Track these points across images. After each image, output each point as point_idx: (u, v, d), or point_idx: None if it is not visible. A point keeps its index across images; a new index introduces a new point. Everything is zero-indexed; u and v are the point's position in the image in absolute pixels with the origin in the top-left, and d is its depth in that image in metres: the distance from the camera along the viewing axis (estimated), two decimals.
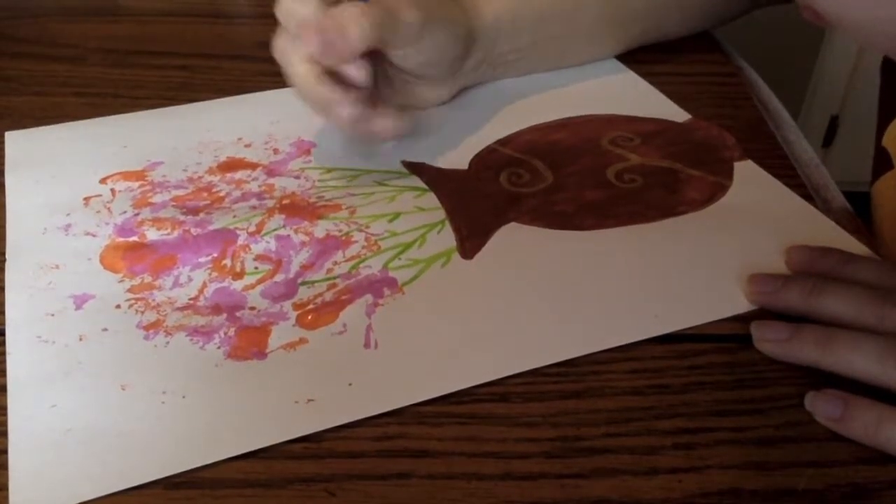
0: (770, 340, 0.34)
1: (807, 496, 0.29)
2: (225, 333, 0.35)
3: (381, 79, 0.45)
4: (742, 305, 0.36)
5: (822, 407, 0.32)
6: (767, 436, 0.31)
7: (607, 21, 0.53)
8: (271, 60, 0.57)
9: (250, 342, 0.34)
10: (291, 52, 0.42)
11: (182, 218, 0.41)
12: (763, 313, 0.36)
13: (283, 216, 0.41)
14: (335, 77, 0.41)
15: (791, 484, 0.30)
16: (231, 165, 0.45)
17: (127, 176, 0.45)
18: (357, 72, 0.41)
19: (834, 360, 0.32)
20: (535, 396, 0.33)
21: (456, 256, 0.39)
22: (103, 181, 0.44)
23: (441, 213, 0.42)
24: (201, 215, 0.41)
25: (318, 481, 0.29)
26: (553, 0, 0.50)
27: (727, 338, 0.35)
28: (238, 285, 0.37)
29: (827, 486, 0.30)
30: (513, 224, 0.41)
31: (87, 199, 0.43)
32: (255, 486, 0.29)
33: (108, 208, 0.42)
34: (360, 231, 0.41)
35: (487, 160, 0.46)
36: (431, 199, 0.43)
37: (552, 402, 0.32)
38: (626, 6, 0.53)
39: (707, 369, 0.34)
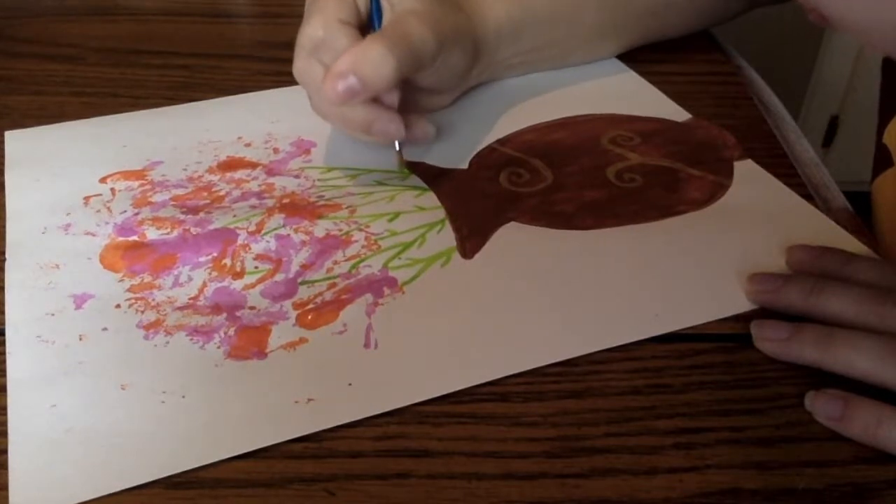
0: (770, 339, 0.34)
1: (807, 496, 0.29)
2: (225, 333, 0.35)
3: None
4: (742, 305, 0.36)
5: (823, 407, 0.32)
6: (767, 436, 0.31)
7: (608, 25, 0.53)
8: (271, 60, 0.57)
9: (250, 342, 0.34)
10: (318, 77, 0.42)
11: (182, 217, 0.41)
12: (763, 313, 0.36)
13: (283, 215, 0.41)
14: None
15: (791, 484, 0.30)
16: (231, 165, 0.45)
17: (127, 175, 0.45)
18: (390, 97, 0.42)
19: (834, 359, 0.32)
20: (535, 396, 0.33)
21: (456, 256, 0.39)
22: (103, 181, 0.44)
23: (441, 213, 0.42)
24: (201, 215, 0.41)
25: (318, 481, 0.29)
26: (554, 6, 0.50)
27: (727, 338, 0.35)
28: (238, 285, 0.37)
29: (827, 486, 0.29)
30: (513, 224, 0.41)
31: (87, 198, 0.43)
32: (255, 486, 0.29)
33: (108, 208, 0.42)
34: (360, 230, 0.41)
35: (487, 160, 0.46)
36: (431, 199, 0.43)
37: (552, 402, 0.32)
38: (626, 10, 0.53)
39: (707, 369, 0.34)
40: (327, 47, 0.42)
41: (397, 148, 0.45)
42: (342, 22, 0.42)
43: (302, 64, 0.43)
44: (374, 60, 0.39)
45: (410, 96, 0.46)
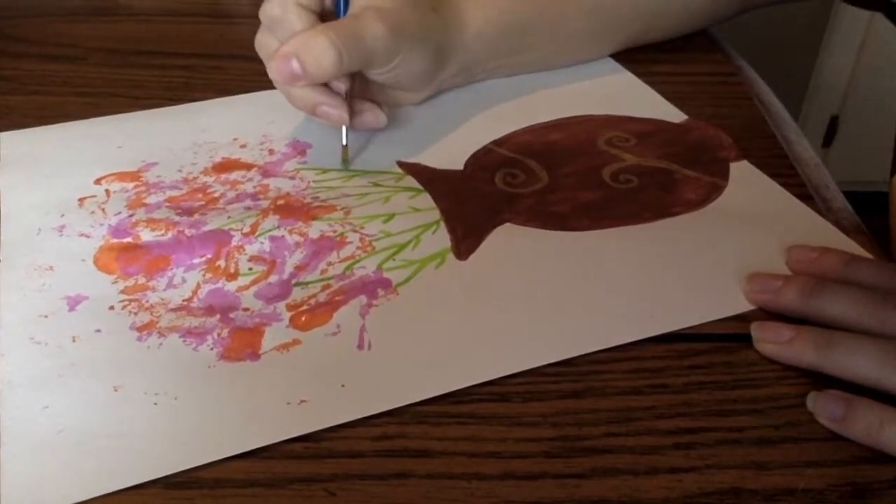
0: (770, 342, 0.34)
1: (807, 496, 0.29)
2: (218, 335, 0.35)
3: (357, 79, 0.45)
4: (739, 305, 0.36)
5: (825, 407, 0.31)
6: (767, 436, 0.31)
7: (591, 31, 0.52)
8: None
9: (243, 343, 0.34)
10: (271, 52, 0.42)
11: (176, 219, 0.41)
12: (762, 313, 0.36)
13: (277, 217, 0.41)
14: None
15: (791, 484, 0.29)
16: (226, 166, 0.45)
17: (122, 176, 0.44)
18: (338, 85, 0.43)
19: (833, 364, 0.32)
20: (535, 396, 0.32)
21: (450, 257, 0.39)
22: (98, 182, 0.44)
23: (436, 214, 0.42)
24: (196, 216, 0.41)
25: (318, 481, 0.29)
26: (537, 13, 0.49)
27: (727, 338, 0.35)
28: (232, 286, 0.37)
29: (827, 486, 0.29)
30: (508, 225, 0.41)
31: (81, 199, 0.42)
32: (255, 486, 0.29)
33: (103, 209, 0.42)
34: (355, 232, 0.40)
35: (483, 160, 0.46)
36: (426, 200, 0.43)
37: (552, 402, 0.32)
38: (610, 17, 0.52)
39: (707, 369, 0.34)
40: (282, 27, 0.42)
41: (343, 141, 0.45)
42: (299, 4, 0.42)
43: (259, 37, 0.44)
44: (316, 50, 0.40)
45: (372, 88, 0.46)
